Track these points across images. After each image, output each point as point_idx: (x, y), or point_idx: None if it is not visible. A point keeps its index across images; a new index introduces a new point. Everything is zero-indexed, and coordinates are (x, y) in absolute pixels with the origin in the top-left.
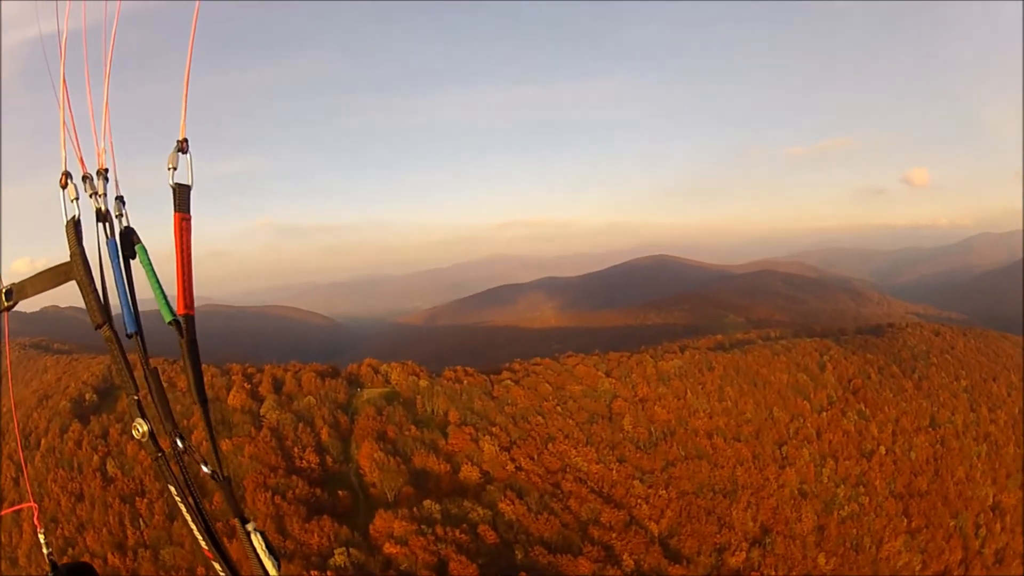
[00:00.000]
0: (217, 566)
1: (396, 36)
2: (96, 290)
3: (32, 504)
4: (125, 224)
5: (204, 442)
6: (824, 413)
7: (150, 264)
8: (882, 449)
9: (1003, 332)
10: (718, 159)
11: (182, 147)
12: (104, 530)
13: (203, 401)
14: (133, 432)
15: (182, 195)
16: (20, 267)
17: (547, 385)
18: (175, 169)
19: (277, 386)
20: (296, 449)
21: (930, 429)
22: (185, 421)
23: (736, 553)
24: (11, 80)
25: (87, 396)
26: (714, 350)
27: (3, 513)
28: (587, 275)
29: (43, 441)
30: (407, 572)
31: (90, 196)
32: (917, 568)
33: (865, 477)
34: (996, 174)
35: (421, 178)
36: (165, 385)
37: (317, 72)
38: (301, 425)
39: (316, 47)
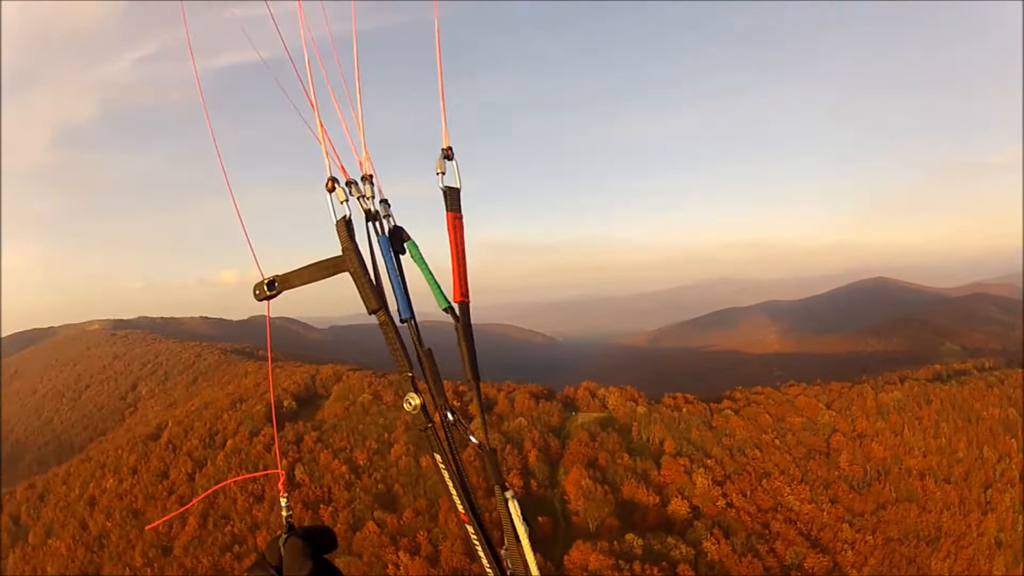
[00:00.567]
0: (470, 529)
1: (613, 55)
2: (370, 280)
3: (280, 471)
4: (393, 223)
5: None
6: None
7: (422, 257)
8: None
9: None
10: (924, 172)
11: (447, 154)
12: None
13: (476, 379)
14: (405, 405)
15: (453, 197)
16: (229, 278)
17: (767, 416)
18: (443, 174)
19: (489, 405)
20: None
21: None
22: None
23: None
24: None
25: (285, 402)
26: (932, 381)
27: (251, 477)
28: (809, 299)
29: (229, 442)
30: None
31: (357, 199)
32: None
33: None
34: None
35: (640, 197)
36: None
37: (539, 90)
38: (509, 447)
39: (538, 65)
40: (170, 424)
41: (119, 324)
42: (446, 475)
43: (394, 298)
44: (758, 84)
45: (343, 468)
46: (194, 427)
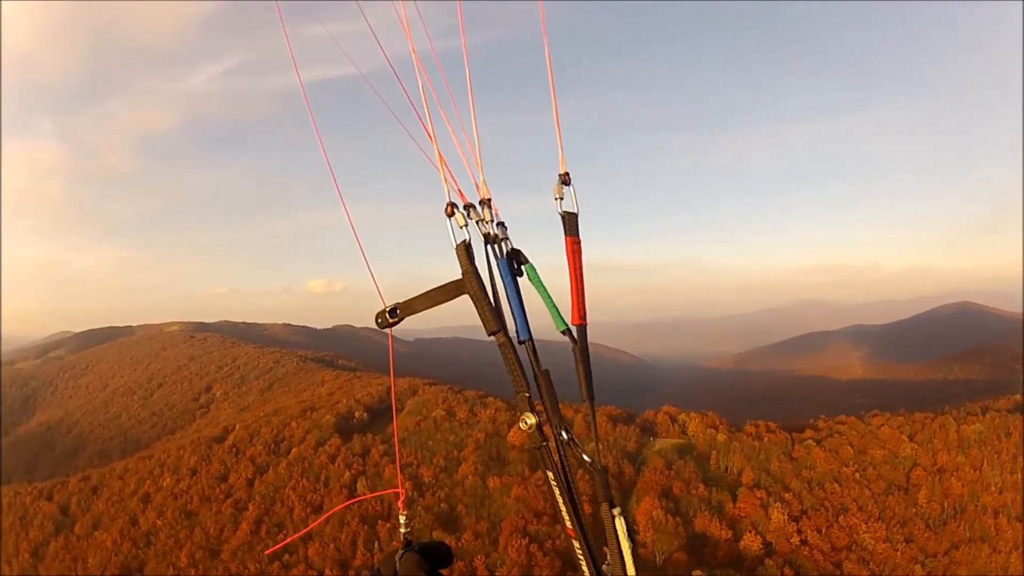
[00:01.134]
0: (576, 543)
1: (696, 77)
2: (490, 302)
3: (400, 490)
4: (511, 246)
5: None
6: None
7: (539, 280)
8: None
9: None
10: (997, 194)
11: (565, 179)
12: (332, 545)
13: (591, 399)
14: (521, 424)
15: (571, 222)
16: (317, 287)
17: (849, 448)
18: (561, 199)
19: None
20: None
21: None
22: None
23: None
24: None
25: (356, 413)
26: (1012, 412)
27: (372, 496)
28: (893, 323)
29: (294, 450)
30: None
31: (476, 223)
32: None
33: None
34: None
35: (727, 220)
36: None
37: (623, 112)
38: (580, 472)
39: (625, 87)
40: (237, 428)
41: (199, 327)
42: (557, 491)
43: (512, 320)
44: (846, 106)
45: (407, 484)
46: (261, 432)
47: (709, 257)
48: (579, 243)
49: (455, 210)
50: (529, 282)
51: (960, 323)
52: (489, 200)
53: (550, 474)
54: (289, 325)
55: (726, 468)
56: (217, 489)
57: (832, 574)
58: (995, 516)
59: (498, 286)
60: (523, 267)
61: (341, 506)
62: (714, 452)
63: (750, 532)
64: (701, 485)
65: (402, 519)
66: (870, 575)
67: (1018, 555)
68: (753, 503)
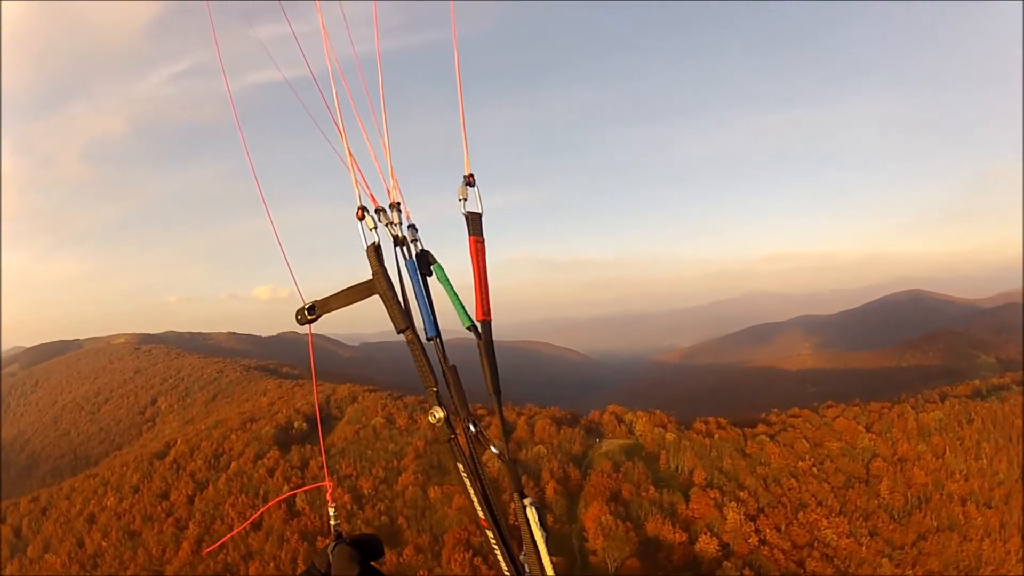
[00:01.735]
0: (490, 534)
1: (650, 70)
2: (399, 301)
3: (328, 484)
4: (420, 247)
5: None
6: None
7: (447, 279)
8: None
9: None
10: (959, 182)
11: (469, 180)
12: (272, 564)
13: (497, 393)
14: (430, 418)
15: (475, 221)
16: (262, 294)
17: (804, 441)
18: (465, 200)
19: (507, 431)
20: (513, 505)
21: None
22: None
23: None
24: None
25: (296, 424)
26: (972, 398)
27: (300, 491)
28: (843, 312)
29: (233, 464)
30: None
31: (386, 225)
32: None
33: None
34: None
35: (678, 212)
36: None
37: (575, 107)
38: (525, 478)
39: (574, 81)
40: (179, 442)
41: (145, 338)
42: (468, 483)
43: (421, 318)
44: (799, 97)
45: (346, 497)
46: (201, 447)
47: (665, 250)
48: (483, 242)
49: (365, 213)
50: (439, 282)
51: (910, 310)
52: (399, 204)
53: (460, 466)
54: (234, 334)
55: (677, 468)
56: (159, 507)
57: (795, 573)
58: (963, 504)
59: (407, 286)
60: (432, 267)
61: (272, 503)
62: (663, 452)
63: (705, 534)
64: (651, 487)
65: (331, 511)
66: (835, 572)
67: (990, 542)
68: (707, 503)
